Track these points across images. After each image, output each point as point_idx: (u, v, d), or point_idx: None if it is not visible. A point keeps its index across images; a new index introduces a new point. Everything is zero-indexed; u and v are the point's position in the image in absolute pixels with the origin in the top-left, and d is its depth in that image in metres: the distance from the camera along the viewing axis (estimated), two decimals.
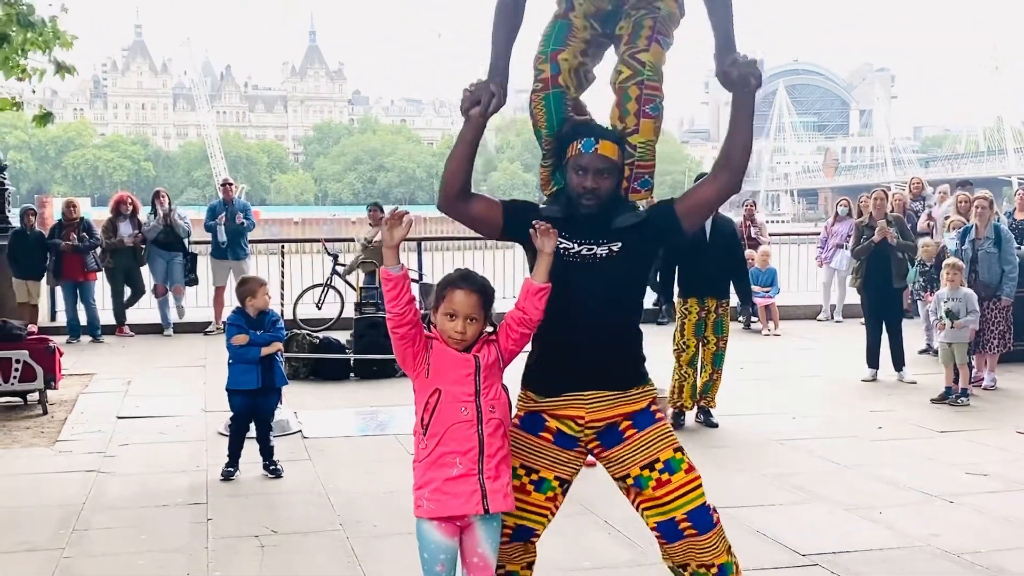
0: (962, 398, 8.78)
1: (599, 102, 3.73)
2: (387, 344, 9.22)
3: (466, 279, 3.32)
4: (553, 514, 3.48)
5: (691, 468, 3.35)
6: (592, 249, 3.35)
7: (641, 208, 3.53)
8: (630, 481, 3.36)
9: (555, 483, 3.41)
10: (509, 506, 3.29)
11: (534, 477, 3.40)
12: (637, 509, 3.42)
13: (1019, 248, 10.45)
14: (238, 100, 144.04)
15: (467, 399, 3.24)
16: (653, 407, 3.42)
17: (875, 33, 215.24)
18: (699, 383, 8.03)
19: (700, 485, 3.34)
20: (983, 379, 9.50)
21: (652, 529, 3.38)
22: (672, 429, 3.46)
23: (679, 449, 3.37)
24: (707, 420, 8.02)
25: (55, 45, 9.53)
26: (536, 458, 3.39)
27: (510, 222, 3.45)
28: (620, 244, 3.36)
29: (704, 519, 3.32)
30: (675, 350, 8.03)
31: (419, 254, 14.86)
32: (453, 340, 3.25)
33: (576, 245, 3.36)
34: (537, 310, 3.31)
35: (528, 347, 3.43)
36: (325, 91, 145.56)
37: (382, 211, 11.93)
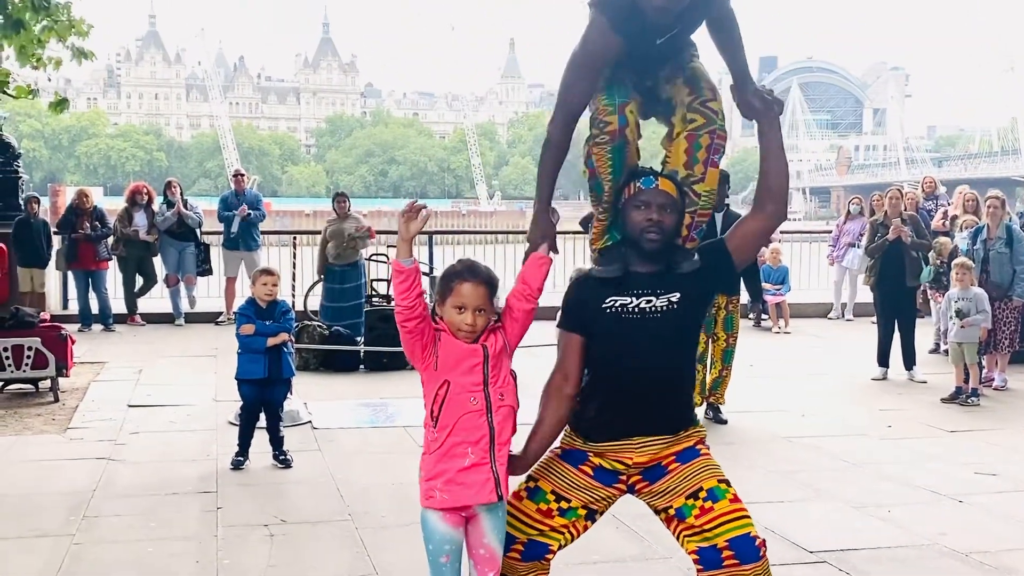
0: (972, 398, 8.76)
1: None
2: (397, 336, 9.21)
3: (472, 271, 3.31)
4: (572, 538, 3.41)
5: (736, 499, 3.24)
6: (651, 302, 3.30)
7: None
8: (672, 511, 3.29)
9: (582, 511, 3.37)
10: (508, 494, 3.31)
11: (563, 505, 3.35)
12: (678, 539, 3.31)
13: None
14: (251, 91, 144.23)
15: (476, 389, 3.24)
16: (699, 445, 3.37)
17: (890, 32, 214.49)
18: (708, 379, 8.03)
19: (747, 516, 3.20)
20: (994, 379, 9.47)
21: (692, 554, 3.24)
22: (718, 463, 3.35)
23: (724, 480, 3.29)
24: (716, 416, 8.02)
25: (71, 34, 9.55)
26: (570, 488, 3.35)
27: (572, 320, 3.42)
28: (679, 294, 3.31)
29: (749, 549, 3.15)
30: None
31: (430, 247, 14.87)
32: (463, 333, 3.25)
33: (634, 299, 3.30)
34: (538, 279, 3.35)
35: (581, 396, 3.41)
36: (338, 83, 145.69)
37: (348, 201, 11.87)
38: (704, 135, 3.51)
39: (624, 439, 3.30)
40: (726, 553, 3.15)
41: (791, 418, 8.19)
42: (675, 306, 3.30)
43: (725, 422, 7.95)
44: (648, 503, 3.38)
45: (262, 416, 6.61)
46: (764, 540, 3.21)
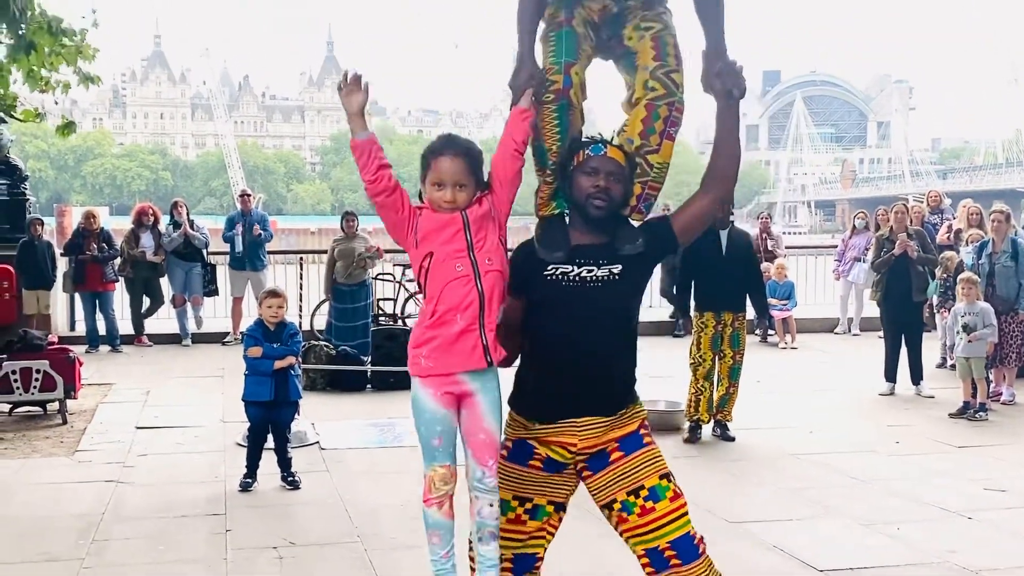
0: (980, 413, 8.75)
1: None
2: (405, 356, 9.22)
3: (449, 144, 3.22)
4: (552, 535, 3.41)
5: (676, 495, 3.23)
6: (592, 271, 3.25)
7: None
8: (617, 506, 3.25)
9: (549, 508, 3.35)
10: (503, 355, 3.23)
11: (528, 506, 3.33)
12: (623, 536, 3.30)
13: None
14: (256, 110, 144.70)
15: (460, 255, 3.13)
16: (643, 430, 3.33)
17: (893, 45, 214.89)
18: (716, 397, 8.04)
19: (685, 513, 3.22)
20: (1001, 394, 9.46)
21: (641, 557, 3.24)
22: (660, 453, 3.34)
23: (665, 476, 3.26)
24: (724, 434, 8.01)
25: (79, 58, 9.62)
26: (527, 487, 3.33)
27: (514, 281, 3.31)
28: (621, 267, 3.28)
29: (688, 548, 3.19)
30: (691, 364, 8.03)
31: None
32: (444, 210, 3.16)
33: (575, 267, 3.25)
34: (521, 133, 3.26)
35: (516, 366, 3.35)
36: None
37: (357, 221, 11.92)
38: (663, 106, 3.42)
39: (565, 419, 3.25)
40: (668, 553, 3.18)
41: (798, 434, 8.18)
42: (616, 278, 3.26)
43: (733, 439, 7.95)
44: (593, 496, 3.33)
45: (270, 437, 6.63)
46: (703, 537, 3.24)
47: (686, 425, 8.02)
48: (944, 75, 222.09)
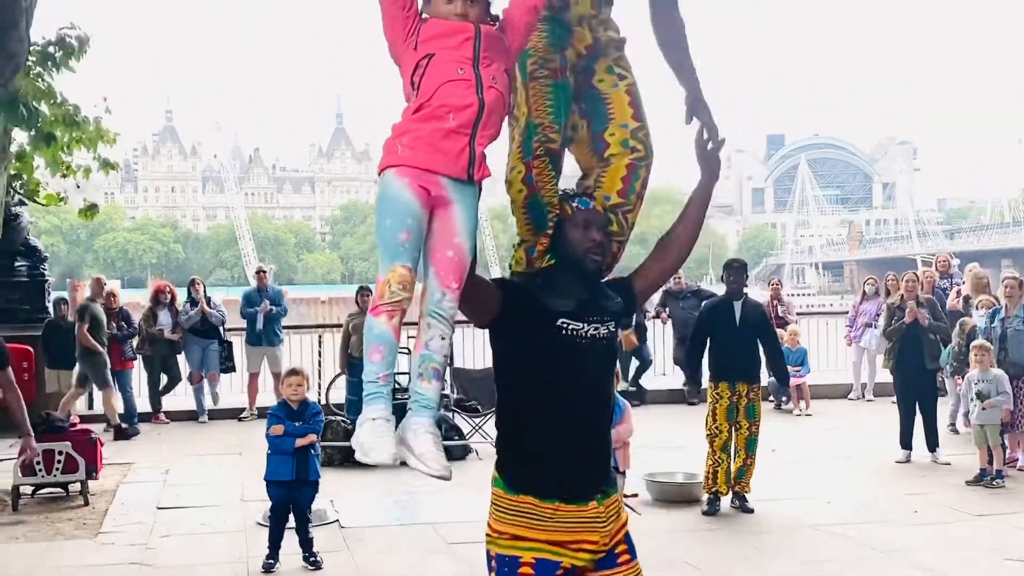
0: (997, 480, 8.77)
1: None
2: None
3: None
4: None
5: None
6: (598, 328, 3.14)
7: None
8: None
9: None
10: (487, 174, 2.95)
11: None
12: None
13: None
14: (266, 182, 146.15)
15: (464, 61, 2.87)
16: (627, 526, 3.19)
17: (895, 106, 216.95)
18: (733, 468, 8.07)
19: None
20: (1018, 460, 9.46)
21: None
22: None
23: None
24: (743, 506, 8.03)
25: (100, 143, 9.85)
26: None
27: (507, 310, 3.11)
28: (612, 323, 3.20)
29: None
30: (708, 435, 8.08)
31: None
32: (454, 19, 2.91)
33: (585, 324, 3.12)
34: None
35: (504, 437, 3.16)
36: (352, 171, 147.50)
37: (371, 295, 12.03)
38: (643, 168, 3.46)
39: (578, 500, 3.03)
40: None
41: (817, 505, 8.19)
42: (611, 334, 3.21)
43: (752, 511, 7.97)
44: None
45: (291, 517, 6.69)
46: None
47: (705, 497, 8.05)
48: (947, 136, 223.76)
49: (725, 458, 8.01)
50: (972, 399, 9.07)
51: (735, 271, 8.35)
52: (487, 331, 3.19)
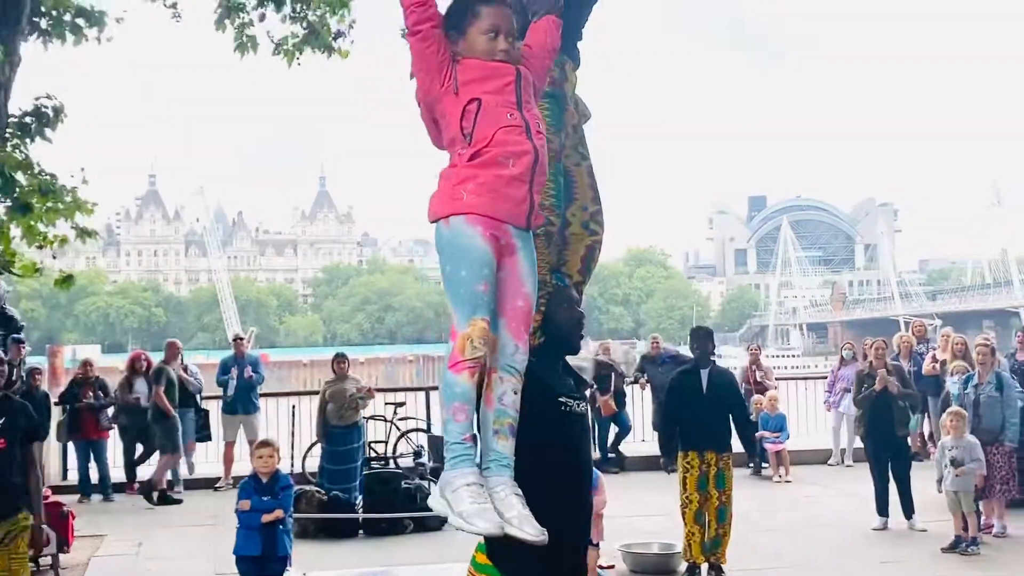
0: (972, 547, 8.77)
1: None
2: (396, 501, 9.16)
3: None
4: None
5: None
6: (582, 405, 3.20)
7: None
8: None
9: None
10: (541, 221, 2.93)
11: None
12: None
13: (1021, 392, 10.53)
14: (249, 245, 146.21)
15: (511, 107, 2.84)
16: None
17: (876, 168, 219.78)
18: (707, 538, 8.04)
19: None
20: (993, 526, 9.47)
21: None
22: None
23: None
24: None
25: (76, 213, 9.89)
26: None
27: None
28: (585, 400, 3.27)
29: None
30: (680, 504, 8.07)
31: (427, 402, 14.93)
32: (497, 59, 2.89)
33: (578, 402, 3.18)
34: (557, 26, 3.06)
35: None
36: (335, 234, 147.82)
37: (347, 363, 12.05)
38: (598, 249, 3.62)
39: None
40: None
41: (794, 574, 8.16)
42: (587, 410, 3.27)
43: None
44: None
45: None
46: None
47: (683, 566, 8.02)
48: (928, 198, 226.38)
49: (698, 529, 7.99)
50: (946, 465, 9.09)
51: (700, 338, 8.38)
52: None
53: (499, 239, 2.75)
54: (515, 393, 2.82)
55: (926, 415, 13.20)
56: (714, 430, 8.07)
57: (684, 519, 8.01)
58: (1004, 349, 13.13)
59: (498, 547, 3.08)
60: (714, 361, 8.40)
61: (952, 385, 10.36)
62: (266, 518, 6.49)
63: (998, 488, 9.52)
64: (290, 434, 12.36)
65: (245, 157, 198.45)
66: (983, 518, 9.40)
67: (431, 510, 9.09)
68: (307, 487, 10.72)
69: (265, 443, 6.84)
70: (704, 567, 8.06)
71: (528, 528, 2.72)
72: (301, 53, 10.09)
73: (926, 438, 13.49)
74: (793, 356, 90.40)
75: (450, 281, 2.76)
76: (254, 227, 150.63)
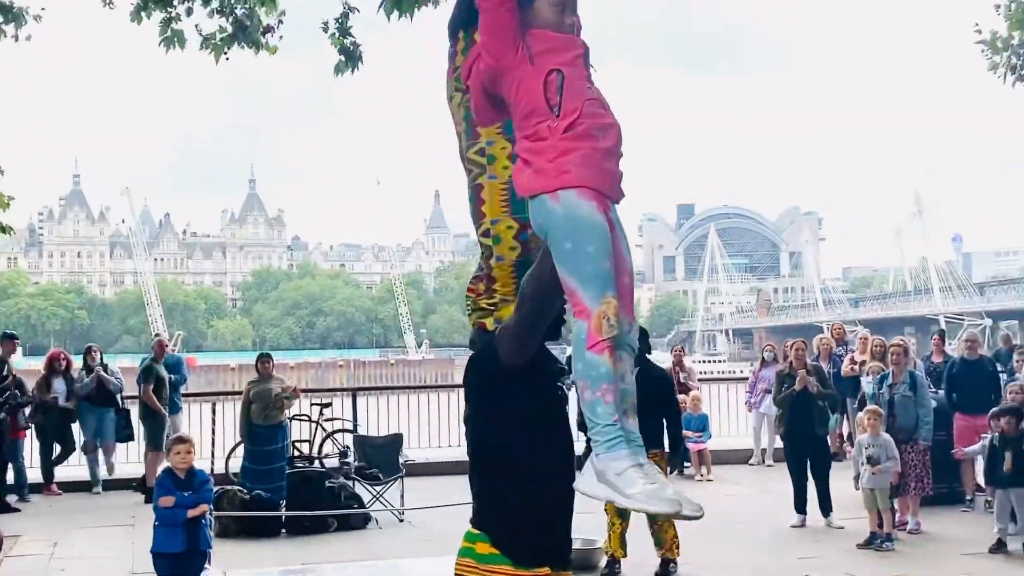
0: (887, 543, 8.97)
1: None
2: (320, 499, 9.13)
3: None
4: None
5: None
6: (568, 385, 3.23)
7: None
8: None
9: None
10: (624, 196, 2.83)
11: None
12: None
13: (935, 392, 10.83)
14: (176, 247, 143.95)
15: (586, 79, 2.84)
16: None
17: (801, 177, 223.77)
18: (653, 536, 8.13)
19: None
20: (907, 522, 9.70)
21: None
22: None
23: None
24: (665, 571, 8.08)
25: None
26: None
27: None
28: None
29: None
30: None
31: (354, 403, 14.87)
32: (563, 31, 2.86)
33: (566, 385, 3.22)
34: None
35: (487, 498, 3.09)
36: (264, 237, 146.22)
37: (272, 362, 11.97)
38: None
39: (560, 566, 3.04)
40: None
41: (713, 571, 8.28)
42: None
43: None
44: None
45: None
46: None
47: (604, 559, 8.11)
48: (851, 207, 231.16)
49: (619, 522, 8.06)
50: (863, 463, 9.28)
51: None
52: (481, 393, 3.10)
53: (607, 213, 2.69)
54: (631, 372, 2.80)
55: (844, 415, 13.45)
56: (644, 427, 8.12)
57: (607, 510, 8.09)
58: (925, 355, 13.49)
59: (504, 533, 3.06)
60: (649, 360, 8.48)
61: (867, 384, 10.60)
62: (192, 512, 6.41)
63: (912, 485, 9.75)
64: (211, 433, 12.21)
65: (172, 158, 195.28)
66: (898, 515, 9.62)
67: (353, 507, 9.01)
68: (229, 487, 10.60)
69: (181, 439, 6.76)
70: (625, 560, 8.14)
71: (689, 505, 2.74)
72: (229, 48, 9.96)
73: (844, 438, 13.75)
74: (719, 361, 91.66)
75: (573, 257, 2.63)
76: (181, 229, 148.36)
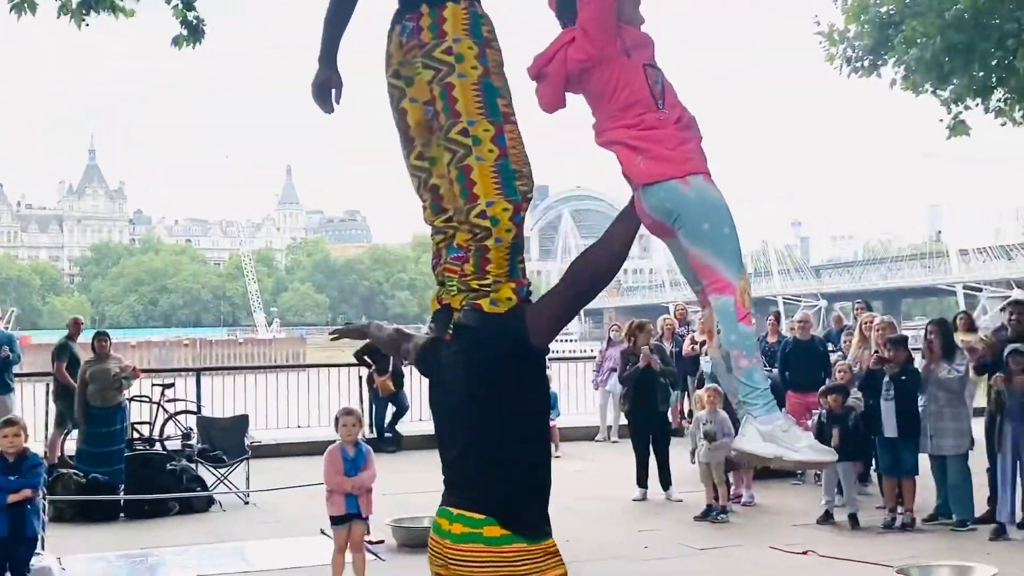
0: (722, 515, 9.33)
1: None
2: (160, 482, 8.91)
3: None
4: None
5: None
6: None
7: None
8: None
9: None
10: None
11: None
12: None
13: (770, 371, 11.26)
14: (10, 219, 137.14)
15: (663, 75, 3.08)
16: None
17: None
18: None
19: None
20: (741, 495, 10.11)
21: None
22: None
23: None
24: None
25: None
26: None
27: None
28: None
29: None
30: None
31: (198, 383, 14.53)
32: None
33: (549, 361, 3.44)
34: None
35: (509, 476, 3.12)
36: (104, 211, 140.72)
37: (109, 341, 11.60)
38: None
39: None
40: None
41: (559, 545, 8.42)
42: None
43: None
44: None
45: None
46: None
47: None
48: None
49: None
50: (700, 439, 9.61)
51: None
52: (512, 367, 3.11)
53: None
54: None
55: (685, 393, 13.88)
56: None
57: None
58: (760, 334, 14.04)
59: (518, 510, 3.12)
60: None
61: (706, 364, 10.98)
62: (13, 498, 6.17)
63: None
64: (45, 415, 11.75)
65: (6, 125, 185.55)
66: (733, 488, 10.02)
67: (195, 490, 8.77)
68: (64, 470, 10.23)
69: (9, 422, 6.50)
70: None
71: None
72: (87, 14, 9.53)
73: (684, 414, 14.20)
74: (571, 340, 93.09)
75: (712, 238, 2.93)
76: (15, 201, 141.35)
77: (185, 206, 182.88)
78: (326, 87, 3.43)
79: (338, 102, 3.47)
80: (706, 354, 11.25)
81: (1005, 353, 8.58)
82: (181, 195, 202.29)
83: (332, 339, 3.96)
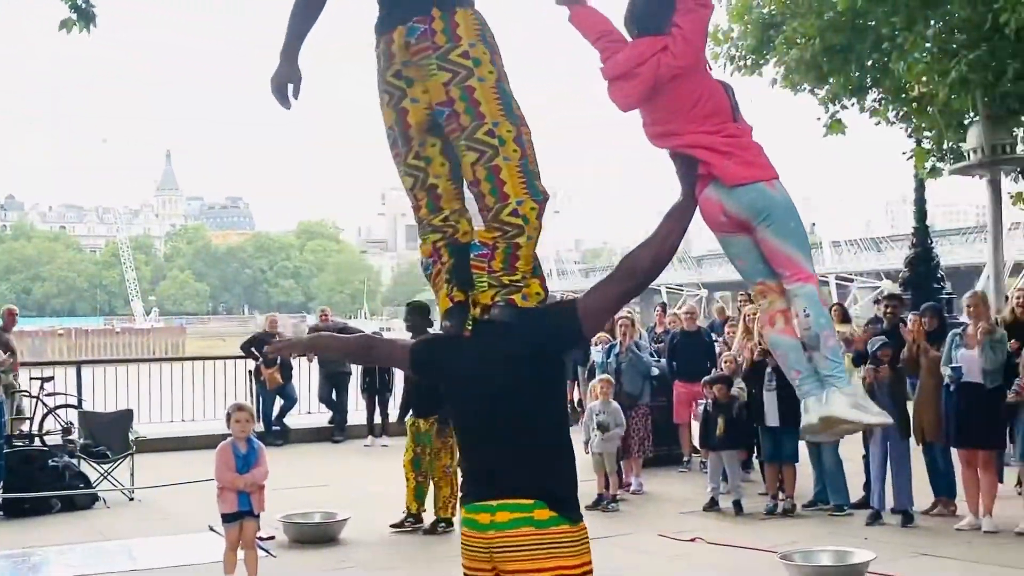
0: (612, 504, 9.52)
1: None
2: (42, 480, 8.66)
3: None
4: None
5: None
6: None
7: None
8: None
9: None
10: None
11: None
12: None
13: (657, 360, 11.51)
14: None
15: None
16: None
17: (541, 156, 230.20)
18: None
19: None
20: (631, 484, 10.31)
21: None
22: None
23: None
24: (433, 529, 8.75)
25: None
26: None
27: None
28: None
29: None
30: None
31: (78, 376, 14.10)
32: None
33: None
34: None
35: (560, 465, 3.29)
36: None
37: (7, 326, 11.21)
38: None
39: None
40: None
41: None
42: None
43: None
44: None
45: None
46: None
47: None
48: (584, 182, 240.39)
49: (413, 477, 8.75)
50: (593, 429, 9.75)
51: (412, 313, 9.20)
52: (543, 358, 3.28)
53: None
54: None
55: (575, 383, 14.05)
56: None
57: (405, 466, 8.83)
58: (649, 326, 14.30)
59: (564, 493, 3.25)
60: (428, 332, 8.58)
61: (596, 354, 11.14)
62: None
63: (636, 448, 10.37)
64: None
65: None
66: (623, 477, 10.22)
67: (79, 487, 8.58)
68: None
69: None
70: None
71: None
72: None
73: (576, 404, 14.38)
74: None
75: (796, 234, 3.33)
76: None
77: (60, 192, 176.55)
78: (285, 83, 3.48)
79: (296, 97, 3.52)
80: (596, 344, 11.34)
81: (874, 347, 8.92)
82: (55, 180, 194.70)
83: (269, 354, 3.97)
